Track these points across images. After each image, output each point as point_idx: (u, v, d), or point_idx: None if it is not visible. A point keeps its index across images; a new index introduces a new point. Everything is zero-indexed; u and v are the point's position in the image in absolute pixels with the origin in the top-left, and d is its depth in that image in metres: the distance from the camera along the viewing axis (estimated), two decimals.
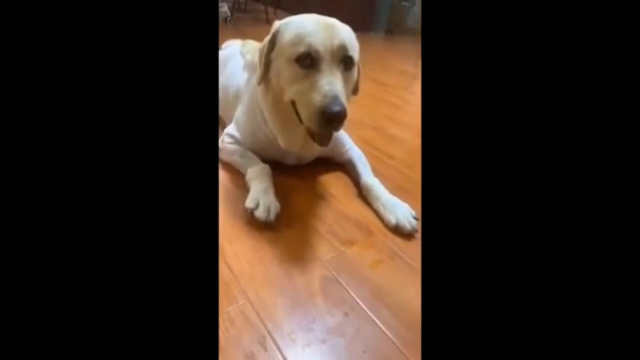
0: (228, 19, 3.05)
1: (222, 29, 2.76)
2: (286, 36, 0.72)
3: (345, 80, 0.71)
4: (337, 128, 0.68)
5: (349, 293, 0.62)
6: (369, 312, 0.59)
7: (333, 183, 0.95)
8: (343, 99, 0.65)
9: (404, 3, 3.89)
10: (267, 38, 0.76)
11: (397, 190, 0.91)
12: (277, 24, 0.76)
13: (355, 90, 0.83)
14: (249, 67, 0.95)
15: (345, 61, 0.71)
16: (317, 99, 0.65)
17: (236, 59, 1.11)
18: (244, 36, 1.34)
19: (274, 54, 0.75)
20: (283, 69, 0.73)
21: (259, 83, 0.79)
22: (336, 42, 0.69)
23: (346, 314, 0.58)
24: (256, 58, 0.84)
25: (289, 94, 0.72)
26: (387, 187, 0.89)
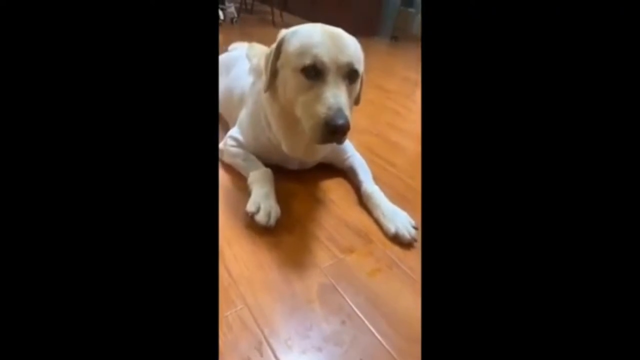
0: (235, 19, 3.07)
1: (229, 30, 2.77)
2: (292, 46, 0.73)
3: (349, 93, 0.72)
4: (339, 140, 0.68)
5: (347, 301, 0.63)
6: (365, 321, 0.59)
7: (334, 189, 0.95)
8: (347, 112, 0.66)
9: (409, 10, 3.91)
10: (274, 46, 0.76)
11: (397, 198, 0.91)
12: (283, 32, 0.77)
13: (357, 101, 0.84)
14: (255, 71, 0.95)
15: (350, 74, 0.71)
16: (321, 110, 0.66)
17: (242, 61, 1.12)
18: (250, 37, 1.35)
19: (280, 62, 0.76)
20: (289, 79, 0.73)
21: (266, 90, 0.79)
22: (342, 54, 0.69)
23: (343, 322, 0.59)
24: (262, 62, 0.85)
25: (298, 108, 0.72)
26: (387, 195, 0.89)
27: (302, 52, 0.70)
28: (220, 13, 2.76)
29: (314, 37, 0.71)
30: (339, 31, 0.74)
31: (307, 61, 0.68)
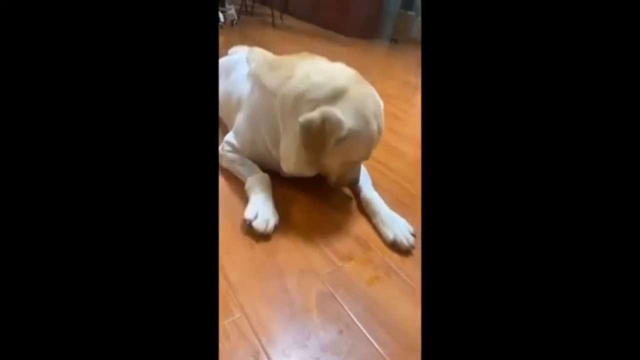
0: (235, 21, 3.06)
1: (229, 32, 2.77)
2: (354, 148, 0.78)
3: None
4: None
5: (345, 309, 0.63)
6: (364, 330, 0.59)
7: (333, 195, 0.95)
8: None
9: (409, 12, 3.92)
10: (334, 137, 0.73)
11: (395, 204, 0.91)
12: (345, 129, 0.74)
13: None
14: (253, 76, 0.95)
15: None
16: (350, 178, 0.89)
17: (242, 65, 1.11)
18: (250, 40, 1.35)
19: (335, 152, 0.77)
20: (336, 166, 0.84)
21: (313, 165, 0.80)
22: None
23: (341, 332, 0.58)
24: (261, 72, 0.88)
25: (330, 174, 0.88)
26: (386, 201, 0.89)
27: (362, 153, 0.82)
28: (220, 15, 2.76)
29: (372, 139, 0.80)
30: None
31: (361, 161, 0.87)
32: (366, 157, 0.84)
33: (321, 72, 0.79)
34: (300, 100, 0.76)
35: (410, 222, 0.83)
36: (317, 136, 0.73)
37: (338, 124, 0.73)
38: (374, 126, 0.78)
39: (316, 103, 0.75)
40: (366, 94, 0.79)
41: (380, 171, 1.12)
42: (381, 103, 0.83)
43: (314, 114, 0.72)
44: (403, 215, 0.85)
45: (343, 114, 0.74)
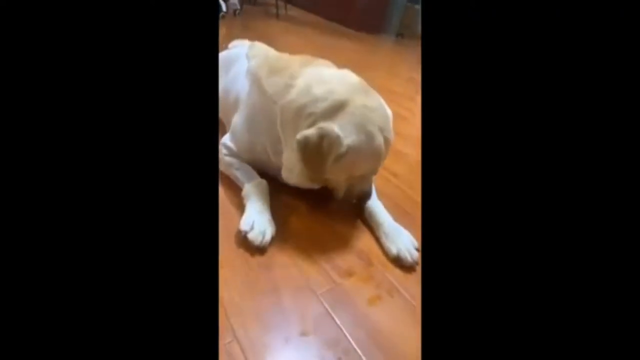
0: (237, 11, 2.99)
1: (231, 22, 2.70)
2: (361, 162, 0.74)
3: None
4: None
5: (344, 333, 0.59)
6: (363, 358, 0.55)
7: (334, 204, 0.90)
8: None
9: (416, 6, 3.83)
10: (333, 154, 0.69)
11: (395, 210, 0.87)
12: (344, 146, 0.69)
13: None
14: (252, 75, 0.90)
15: None
16: (360, 189, 0.82)
17: (242, 61, 1.06)
18: (253, 31, 1.29)
19: (336, 169, 0.73)
20: (342, 180, 0.78)
21: (316, 182, 0.77)
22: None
23: (339, 359, 0.54)
24: (261, 74, 0.83)
25: (338, 191, 0.82)
26: (390, 209, 0.85)
27: (367, 168, 0.77)
28: (223, 4, 2.68)
29: (377, 153, 0.74)
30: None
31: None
32: (373, 171, 0.80)
33: (323, 83, 0.74)
34: (300, 114, 0.72)
35: (414, 233, 0.79)
36: (315, 154, 0.69)
37: (336, 140, 0.68)
38: (379, 140, 0.73)
39: (315, 118, 0.71)
40: (370, 106, 0.73)
41: (384, 177, 1.07)
42: (389, 114, 0.78)
43: (311, 131, 0.68)
44: (407, 226, 0.81)
45: (342, 129, 0.69)
